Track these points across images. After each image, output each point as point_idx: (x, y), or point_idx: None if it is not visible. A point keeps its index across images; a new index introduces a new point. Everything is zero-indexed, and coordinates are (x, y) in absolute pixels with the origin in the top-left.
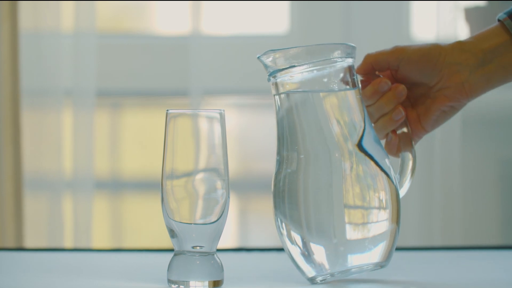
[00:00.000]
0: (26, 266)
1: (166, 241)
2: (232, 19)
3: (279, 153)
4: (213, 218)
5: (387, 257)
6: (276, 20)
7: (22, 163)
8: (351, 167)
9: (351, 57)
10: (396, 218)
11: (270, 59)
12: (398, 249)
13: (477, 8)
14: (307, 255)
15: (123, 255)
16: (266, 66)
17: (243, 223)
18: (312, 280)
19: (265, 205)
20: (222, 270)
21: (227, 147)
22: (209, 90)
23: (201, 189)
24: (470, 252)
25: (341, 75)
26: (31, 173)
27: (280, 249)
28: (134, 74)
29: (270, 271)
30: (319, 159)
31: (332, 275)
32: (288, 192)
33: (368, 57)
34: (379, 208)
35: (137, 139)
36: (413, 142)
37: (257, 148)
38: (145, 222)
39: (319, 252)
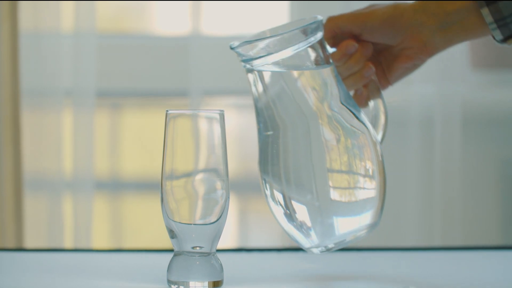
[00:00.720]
0: (26, 266)
1: (166, 242)
2: (232, 19)
3: (259, 124)
4: (213, 219)
5: (378, 216)
6: (276, 21)
7: (22, 163)
8: (337, 137)
9: (320, 31)
10: (383, 180)
11: (245, 49)
12: (398, 249)
13: None
14: (289, 214)
15: (123, 255)
16: (240, 55)
17: (243, 223)
18: (309, 251)
19: (265, 206)
20: (222, 270)
21: (226, 148)
22: (209, 90)
23: (201, 190)
24: (470, 253)
25: (313, 49)
26: (31, 173)
27: (280, 250)
28: (134, 75)
29: (270, 271)
30: (298, 127)
31: (326, 246)
32: (270, 153)
33: (330, 21)
34: (365, 175)
35: (137, 139)
36: (381, 91)
37: (257, 148)
38: (145, 223)
39: (300, 210)
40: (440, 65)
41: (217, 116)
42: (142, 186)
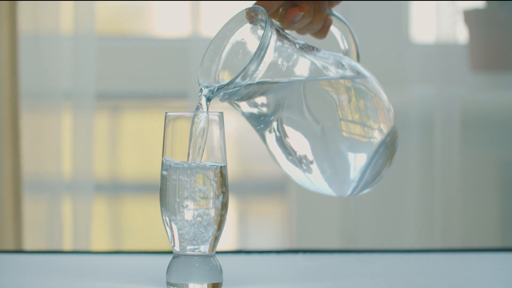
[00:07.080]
0: (25, 268)
1: (165, 244)
2: None
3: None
4: (213, 220)
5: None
6: None
7: (22, 165)
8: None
9: (272, 30)
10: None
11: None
12: (397, 251)
13: (476, 10)
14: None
15: (122, 257)
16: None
17: (242, 225)
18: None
19: (265, 207)
20: (221, 272)
21: (226, 149)
22: None
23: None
24: (470, 255)
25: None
26: (30, 175)
27: (280, 251)
28: (133, 77)
29: (269, 273)
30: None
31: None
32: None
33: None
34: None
35: (137, 141)
36: (330, 11)
37: (257, 150)
38: (144, 224)
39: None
40: (439, 67)
41: (217, 118)
42: (142, 188)
